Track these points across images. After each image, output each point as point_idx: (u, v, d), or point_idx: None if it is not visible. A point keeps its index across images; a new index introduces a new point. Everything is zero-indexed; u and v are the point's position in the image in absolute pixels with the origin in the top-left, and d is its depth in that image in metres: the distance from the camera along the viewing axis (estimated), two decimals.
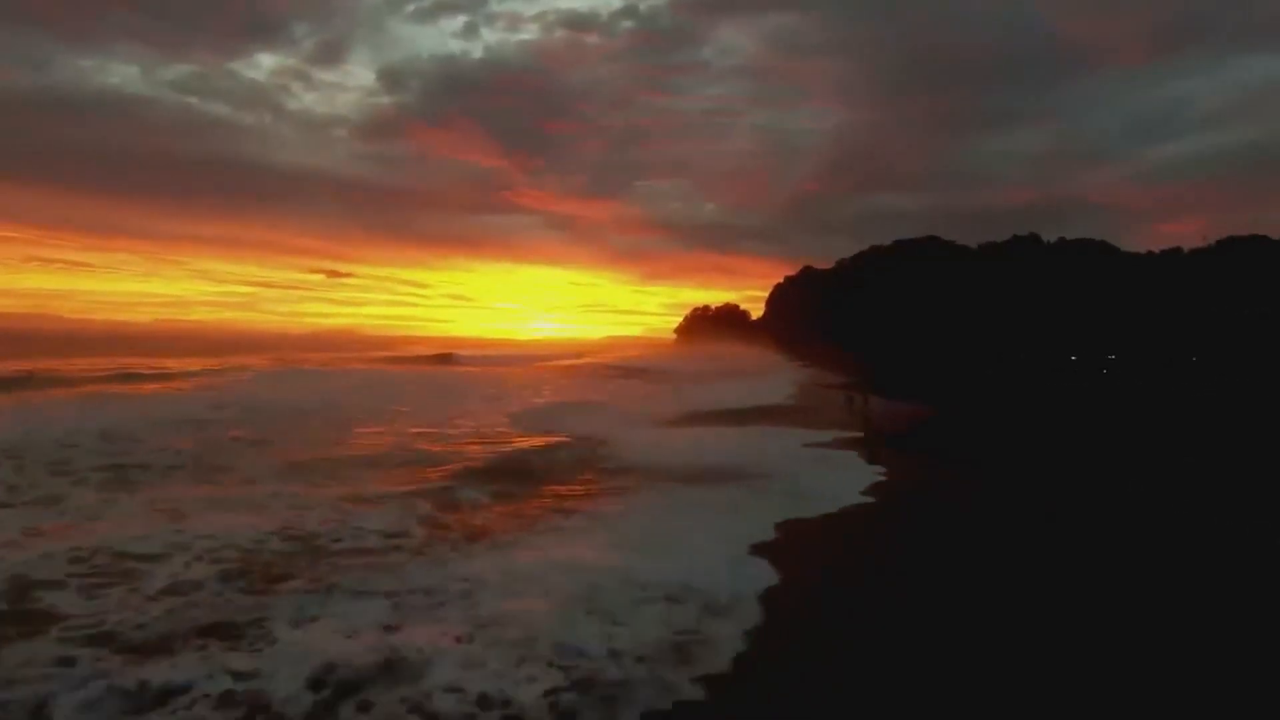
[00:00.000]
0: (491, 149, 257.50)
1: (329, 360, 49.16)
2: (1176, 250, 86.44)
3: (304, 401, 23.70)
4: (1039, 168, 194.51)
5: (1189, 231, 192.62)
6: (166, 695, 5.20)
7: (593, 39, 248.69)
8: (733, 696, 5.62)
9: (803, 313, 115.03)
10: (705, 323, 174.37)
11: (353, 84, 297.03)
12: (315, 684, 5.45)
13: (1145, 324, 68.46)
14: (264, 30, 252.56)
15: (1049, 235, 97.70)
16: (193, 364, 36.62)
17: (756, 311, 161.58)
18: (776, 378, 53.60)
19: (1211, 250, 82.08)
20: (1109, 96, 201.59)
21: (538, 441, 18.06)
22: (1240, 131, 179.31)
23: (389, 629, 6.43)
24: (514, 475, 13.51)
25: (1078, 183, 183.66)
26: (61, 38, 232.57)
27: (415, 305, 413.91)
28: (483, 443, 17.90)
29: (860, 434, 20.75)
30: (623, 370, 57.60)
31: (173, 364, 35.17)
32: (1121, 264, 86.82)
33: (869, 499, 12.80)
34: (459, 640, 6.24)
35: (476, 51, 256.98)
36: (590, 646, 6.18)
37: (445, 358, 64.03)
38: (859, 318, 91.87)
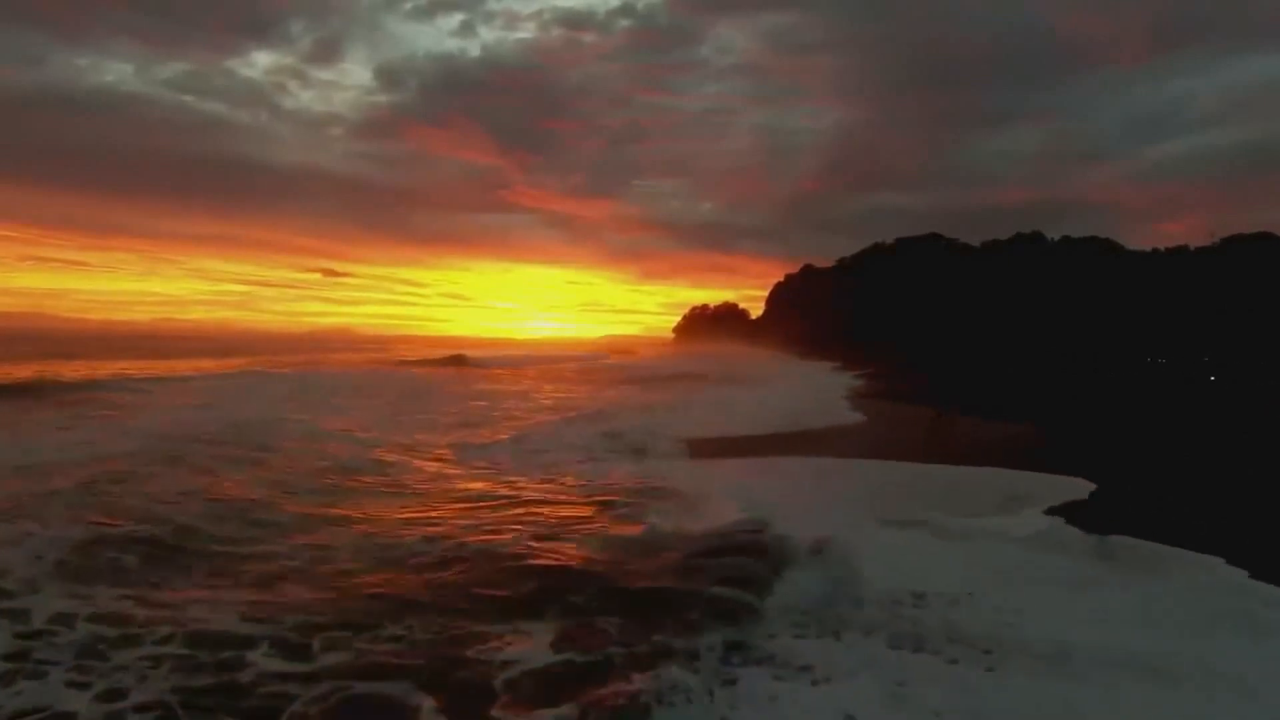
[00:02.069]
0: (488, 147, 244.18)
1: (333, 361, 41.82)
2: (1183, 248, 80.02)
3: (279, 426, 16.02)
4: (1038, 166, 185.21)
5: (1187, 230, 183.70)
6: None
7: (590, 37, 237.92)
8: None
9: (809, 311, 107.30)
10: (704, 322, 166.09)
11: (349, 82, 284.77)
12: None
13: (1176, 322, 60.90)
14: (260, 28, 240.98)
15: (1050, 233, 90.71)
16: (165, 367, 28.92)
17: (755, 310, 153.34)
18: (809, 382, 45.81)
19: (1217, 249, 75.70)
20: (1108, 96, 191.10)
21: (619, 531, 10.32)
22: (1239, 131, 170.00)
23: None
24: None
25: (1077, 181, 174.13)
26: (56, 35, 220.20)
27: (413, 304, 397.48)
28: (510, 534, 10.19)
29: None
30: (640, 374, 49.90)
31: (136, 368, 27.50)
32: (1129, 262, 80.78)
33: None
34: None
35: (473, 50, 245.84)
36: None
37: (457, 359, 55.82)
38: (875, 316, 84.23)
